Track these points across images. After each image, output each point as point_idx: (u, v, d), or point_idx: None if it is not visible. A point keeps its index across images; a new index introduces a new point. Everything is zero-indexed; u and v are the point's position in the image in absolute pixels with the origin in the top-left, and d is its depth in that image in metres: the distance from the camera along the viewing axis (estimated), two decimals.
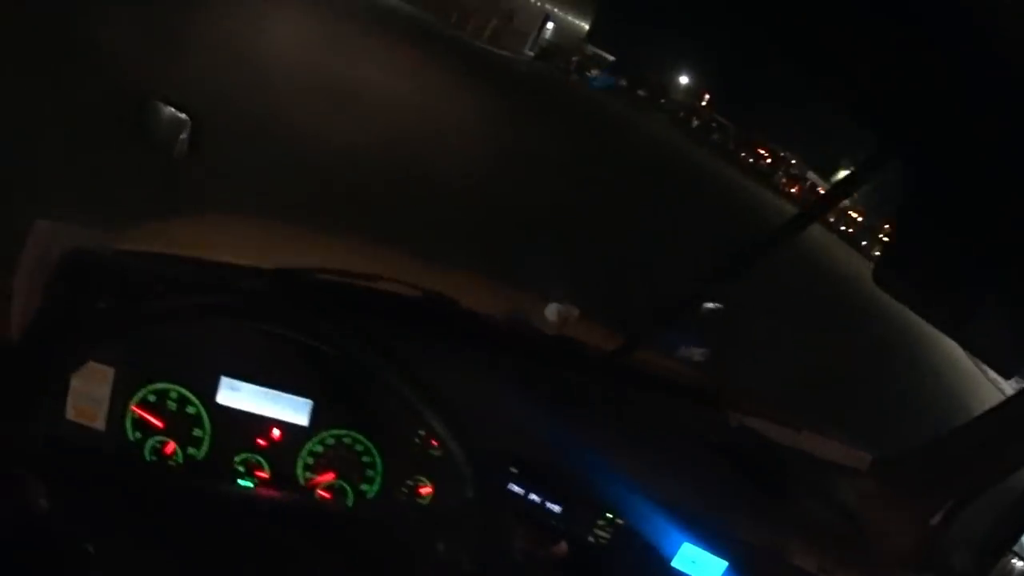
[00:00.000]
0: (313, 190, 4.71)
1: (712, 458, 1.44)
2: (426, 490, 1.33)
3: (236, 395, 1.26)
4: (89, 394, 1.20)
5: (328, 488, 1.31)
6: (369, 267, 1.33)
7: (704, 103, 41.01)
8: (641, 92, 36.00)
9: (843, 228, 33.68)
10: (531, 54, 29.33)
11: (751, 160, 35.50)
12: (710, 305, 1.55)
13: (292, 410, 1.27)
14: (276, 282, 1.27)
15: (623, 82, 34.73)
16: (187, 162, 1.48)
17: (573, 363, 1.45)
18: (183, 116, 1.42)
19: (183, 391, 1.24)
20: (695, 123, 36.23)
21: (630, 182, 10.58)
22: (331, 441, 1.30)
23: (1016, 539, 1.53)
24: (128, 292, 1.14)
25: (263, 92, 6.31)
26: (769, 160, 36.47)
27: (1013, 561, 2.06)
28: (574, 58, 32.33)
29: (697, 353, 1.80)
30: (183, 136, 1.43)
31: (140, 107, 1.44)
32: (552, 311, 1.57)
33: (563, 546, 1.35)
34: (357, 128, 6.64)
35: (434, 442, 1.25)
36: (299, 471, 1.31)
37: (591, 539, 1.37)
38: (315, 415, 1.28)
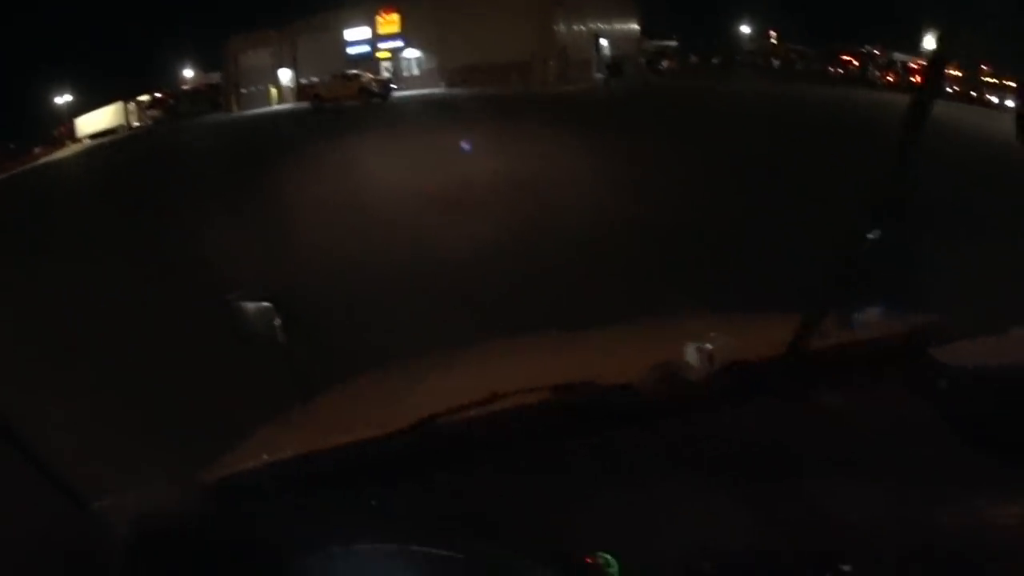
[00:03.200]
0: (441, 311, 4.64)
1: (933, 433, 1.24)
2: None
3: None
4: None
5: None
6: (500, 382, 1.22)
7: (774, 40, 40.25)
8: (715, 60, 36.05)
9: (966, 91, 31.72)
10: (600, 76, 29.41)
11: (841, 71, 34.22)
12: (872, 236, 1.26)
13: None
14: (407, 443, 1.17)
15: (694, 59, 34.85)
16: (291, 350, 1.46)
17: (743, 396, 1.28)
18: (267, 304, 1.43)
19: None
20: (776, 63, 35.53)
21: (744, 158, 9.76)
22: None
23: None
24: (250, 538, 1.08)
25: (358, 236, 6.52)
26: (856, 62, 35.38)
27: None
28: (640, 60, 32.61)
29: (875, 313, 1.58)
30: (276, 323, 1.44)
31: (228, 314, 1.44)
32: (692, 354, 1.33)
33: None
34: (472, 232, 6.45)
35: None
36: None
37: None
38: None
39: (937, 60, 1.24)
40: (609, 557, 1.12)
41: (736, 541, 1.17)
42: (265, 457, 1.25)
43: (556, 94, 17.30)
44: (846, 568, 1.13)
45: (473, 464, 1.19)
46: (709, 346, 1.34)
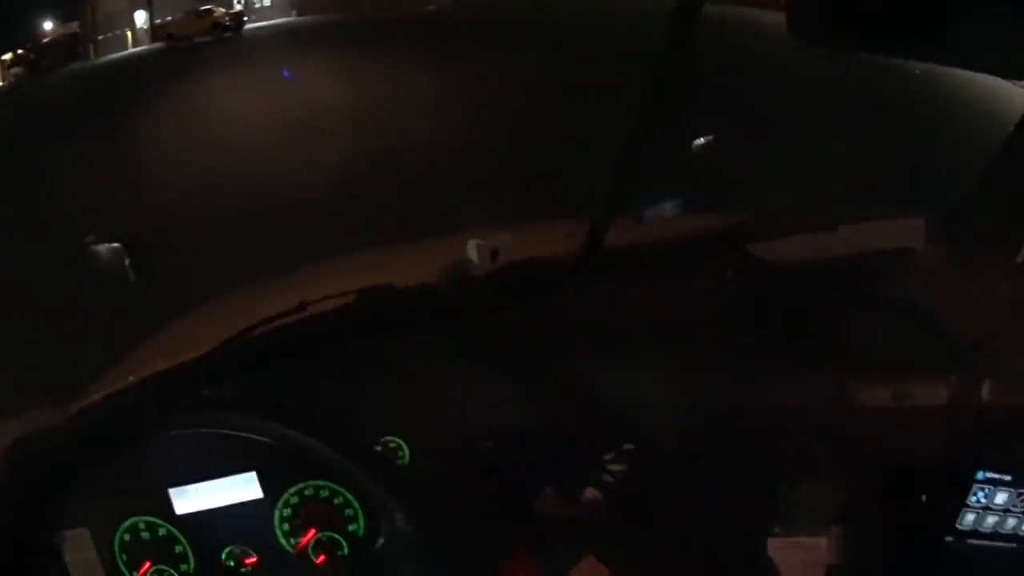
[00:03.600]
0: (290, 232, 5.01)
1: (738, 325, 1.32)
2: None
3: (189, 500, 1.30)
4: (82, 560, 1.28)
5: (319, 545, 1.29)
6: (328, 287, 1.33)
7: None
8: None
9: None
10: None
11: None
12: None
13: (242, 487, 1.28)
14: (214, 362, 1.29)
15: None
16: (143, 283, 1.61)
17: (527, 293, 1.36)
18: (117, 246, 1.51)
19: (147, 519, 1.30)
20: None
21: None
22: (295, 500, 1.30)
23: None
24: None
25: (214, 170, 6.78)
26: None
27: None
28: None
29: (668, 208, 1.69)
30: (126, 263, 1.52)
31: (82, 256, 1.54)
32: (473, 249, 1.42)
33: (590, 492, 1.31)
34: (324, 154, 6.78)
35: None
36: (282, 541, 1.32)
37: (609, 478, 1.32)
38: (266, 482, 1.29)
39: None
40: (400, 441, 1.26)
41: (520, 422, 1.28)
42: (117, 385, 1.35)
43: (406, 17, 16.82)
44: (628, 446, 1.25)
45: (284, 365, 1.29)
46: (486, 243, 1.41)
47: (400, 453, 1.25)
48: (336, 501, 1.27)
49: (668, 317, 1.30)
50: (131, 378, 1.33)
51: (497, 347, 1.27)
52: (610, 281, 1.35)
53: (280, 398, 1.15)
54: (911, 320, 1.35)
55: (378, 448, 1.22)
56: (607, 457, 1.27)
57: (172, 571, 1.30)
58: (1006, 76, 0.90)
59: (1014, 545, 1.19)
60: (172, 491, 1.27)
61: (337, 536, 1.28)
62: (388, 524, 1.18)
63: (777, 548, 1.22)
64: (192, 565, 1.31)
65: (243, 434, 1.09)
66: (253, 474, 1.24)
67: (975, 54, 0.83)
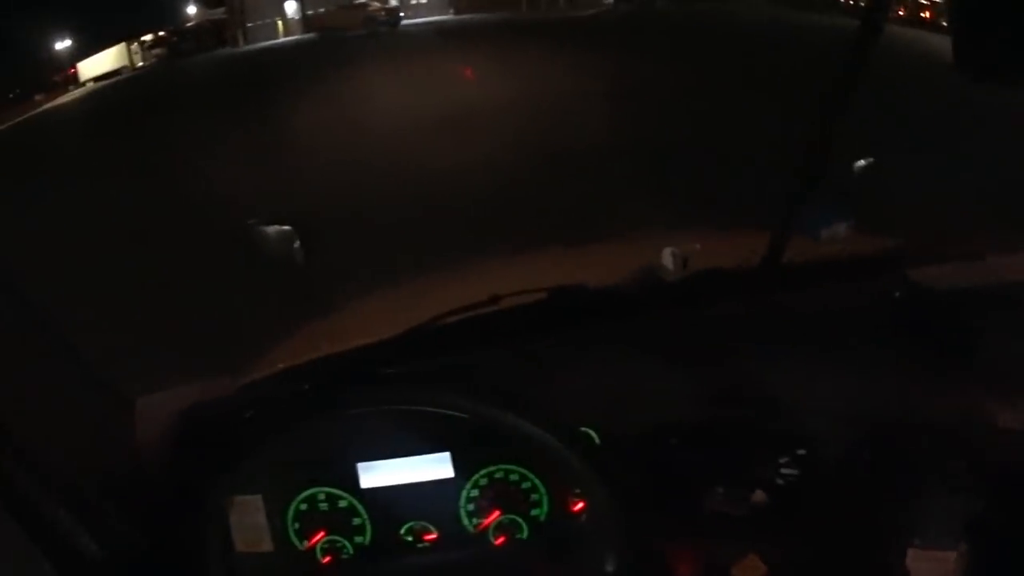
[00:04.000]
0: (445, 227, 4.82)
1: (898, 342, 1.35)
2: (579, 506, 1.33)
3: (377, 475, 1.33)
4: (249, 524, 1.30)
5: (500, 527, 1.33)
6: (504, 286, 1.34)
7: None
8: None
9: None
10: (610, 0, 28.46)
11: None
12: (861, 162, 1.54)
13: (434, 467, 1.31)
14: (399, 349, 1.32)
15: None
16: (311, 267, 1.56)
17: (713, 299, 1.39)
18: (287, 228, 1.52)
19: (328, 490, 1.33)
20: None
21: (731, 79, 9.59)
22: (484, 482, 1.33)
23: None
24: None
25: (370, 160, 6.63)
26: None
27: None
28: None
29: (841, 228, 1.74)
30: (295, 245, 1.53)
31: (247, 238, 1.54)
32: (667, 257, 1.51)
33: (759, 495, 1.32)
34: (501, 152, 6.51)
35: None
36: (465, 521, 1.35)
37: (780, 481, 1.33)
38: (458, 464, 1.31)
39: None
40: (591, 432, 1.27)
41: (700, 420, 1.32)
42: (283, 365, 1.40)
43: (564, 19, 16.98)
44: (801, 452, 1.28)
45: (476, 353, 1.32)
46: (681, 252, 1.51)
47: (591, 440, 1.27)
48: (524, 485, 1.32)
49: (836, 330, 1.34)
50: (314, 355, 1.38)
51: (681, 347, 1.32)
52: (786, 293, 1.42)
53: (475, 381, 1.15)
54: None
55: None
56: (781, 461, 1.30)
57: (346, 542, 1.34)
58: None
59: None
60: (360, 465, 1.31)
61: (519, 519, 1.33)
62: (589, 502, 1.23)
63: (912, 559, 1.26)
64: (368, 537, 1.34)
65: (441, 411, 1.10)
66: (447, 454, 1.30)
67: None
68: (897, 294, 1.40)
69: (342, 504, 1.33)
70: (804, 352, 1.34)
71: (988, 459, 1.29)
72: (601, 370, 1.29)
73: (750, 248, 1.47)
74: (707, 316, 1.37)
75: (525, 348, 1.30)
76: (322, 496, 1.33)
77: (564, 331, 1.32)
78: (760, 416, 1.31)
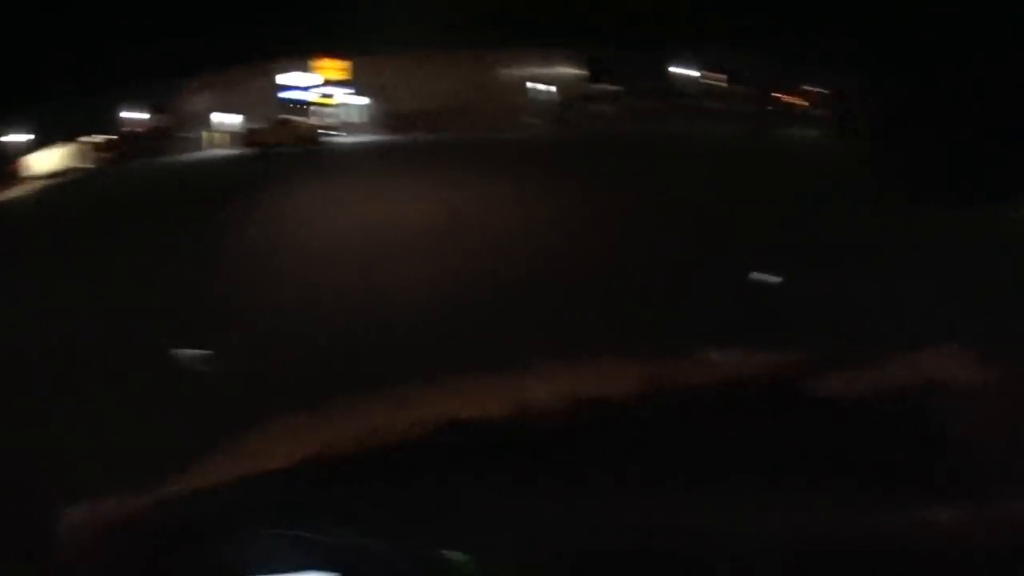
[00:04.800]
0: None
1: (794, 458, 1.40)
2: None
3: None
4: None
5: None
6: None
7: (722, 83, 40.08)
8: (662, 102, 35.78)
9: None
10: (538, 121, 29.41)
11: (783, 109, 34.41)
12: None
13: None
14: (292, 474, 1.38)
15: (638, 103, 34.37)
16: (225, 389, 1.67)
17: (596, 428, 1.48)
18: (202, 351, 1.63)
19: None
20: (722, 105, 35.37)
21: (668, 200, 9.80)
22: None
23: None
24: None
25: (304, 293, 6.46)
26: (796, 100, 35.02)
27: None
28: (581, 104, 32.19)
29: (732, 350, 1.77)
30: (208, 367, 1.63)
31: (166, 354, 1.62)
32: (539, 388, 1.57)
33: None
34: (407, 275, 6.55)
35: None
36: None
37: None
38: None
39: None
40: (469, 559, 1.34)
41: (584, 547, 1.36)
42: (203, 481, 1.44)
43: (492, 140, 17.31)
44: None
45: (358, 486, 1.40)
46: (557, 380, 1.57)
47: (469, 567, 1.31)
48: None
49: (728, 450, 1.41)
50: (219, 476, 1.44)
51: (565, 477, 1.37)
52: (674, 419, 1.48)
53: (358, 510, 1.27)
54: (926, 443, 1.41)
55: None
56: None
57: None
58: None
59: None
60: None
61: None
62: None
63: None
64: None
65: (325, 538, 1.22)
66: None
67: None
68: (788, 410, 1.50)
69: None
70: (695, 474, 1.41)
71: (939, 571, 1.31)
72: (475, 501, 1.38)
73: (635, 375, 1.55)
74: (588, 444, 1.46)
75: (412, 483, 1.38)
76: None
77: (441, 464, 1.40)
78: (666, 540, 1.35)
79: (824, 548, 1.37)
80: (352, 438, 1.42)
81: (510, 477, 1.39)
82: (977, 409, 1.50)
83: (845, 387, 1.55)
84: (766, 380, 1.65)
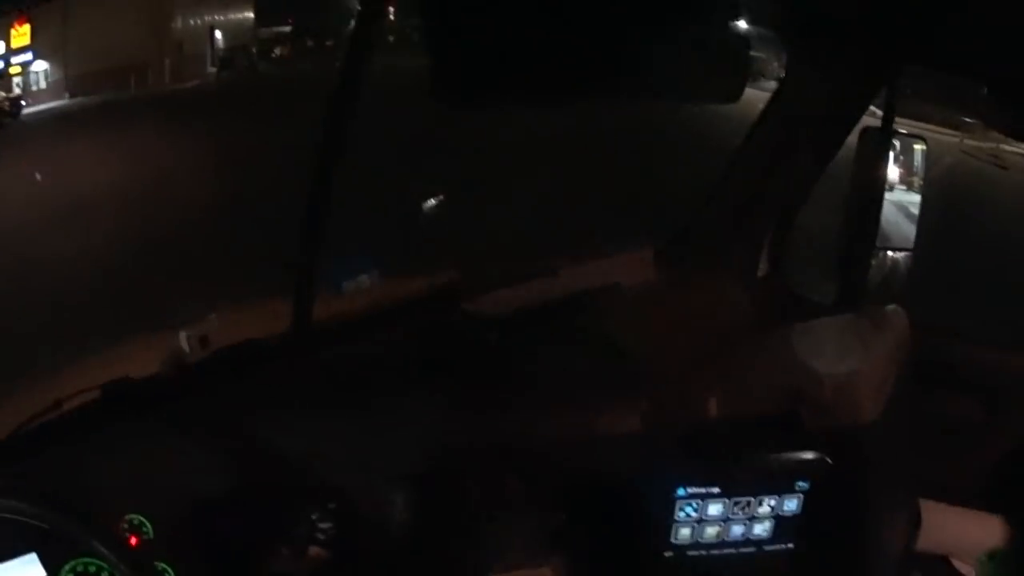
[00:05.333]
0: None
1: (435, 375, 1.42)
2: None
3: None
4: None
5: None
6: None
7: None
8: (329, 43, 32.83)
9: None
10: (213, 69, 27.75)
11: None
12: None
13: (25, 569, 1.13)
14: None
15: (310, 43, 31.74)
16: None
17: (238, 372, 1.40)
18: None
19: None
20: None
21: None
22: None
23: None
24: None
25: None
26: None
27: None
28: (253, 49, 30.44)
29: (366, 278, 1.74)
30: None
31: None
32: (183, 340, 1.48)
33: (314, 550, 1.31)
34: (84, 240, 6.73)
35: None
36: None
37: (320, 536, 1.31)
38: (46, 562, 1.14)
39: None
40: (142, 518, 1.24)
41: (238, 488, 1.29)
42: None
43: (170, 93, 16.69)
44: (332, 505, 1.30)
45: (46, 456, 1.23)
46: (195, 331, 1.48)
47: (145, 529, 1.25)
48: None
49: (368, 378, 1.39)
50: None
51: (212, 421, 1.32)
52: (317, 353, 1.45)
53: (42, 484, 1.10)
54: (601, 350, 1.48)
55: (124, 526, 1.23)
56: (314, 516, 1.30)
57: None
58: (690, 100, 1.01)
59: (753, 549, 1.26)
60: None
61: None
62: None
63: None
64: None
65: (15, 517, 1.04)
66: (34, 555, 1.14)
67: (653, 84, 0.93)
68: (423, 332, 1.45)
69: None
70: (330, 407, 1.36)
71: (554, 469, 1.33)
72: (139, 456, 1.24)
73: (276, 314, 1.48)
74: (230, 389, 1.36)
75: (78, 447, 1.24)
76: None
77: (116, 423, 1.28)
78: (291, 474, 1.31)
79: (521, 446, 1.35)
80: (39, 414, 1.24)
81: (173, 429, 1.27)
82: (649, 312, 1.52)
83: (511, 302, 1.52)
84: (408, 307, 1.58)
